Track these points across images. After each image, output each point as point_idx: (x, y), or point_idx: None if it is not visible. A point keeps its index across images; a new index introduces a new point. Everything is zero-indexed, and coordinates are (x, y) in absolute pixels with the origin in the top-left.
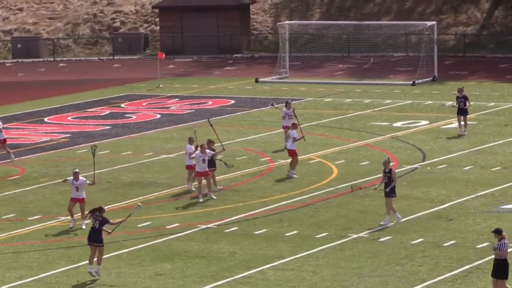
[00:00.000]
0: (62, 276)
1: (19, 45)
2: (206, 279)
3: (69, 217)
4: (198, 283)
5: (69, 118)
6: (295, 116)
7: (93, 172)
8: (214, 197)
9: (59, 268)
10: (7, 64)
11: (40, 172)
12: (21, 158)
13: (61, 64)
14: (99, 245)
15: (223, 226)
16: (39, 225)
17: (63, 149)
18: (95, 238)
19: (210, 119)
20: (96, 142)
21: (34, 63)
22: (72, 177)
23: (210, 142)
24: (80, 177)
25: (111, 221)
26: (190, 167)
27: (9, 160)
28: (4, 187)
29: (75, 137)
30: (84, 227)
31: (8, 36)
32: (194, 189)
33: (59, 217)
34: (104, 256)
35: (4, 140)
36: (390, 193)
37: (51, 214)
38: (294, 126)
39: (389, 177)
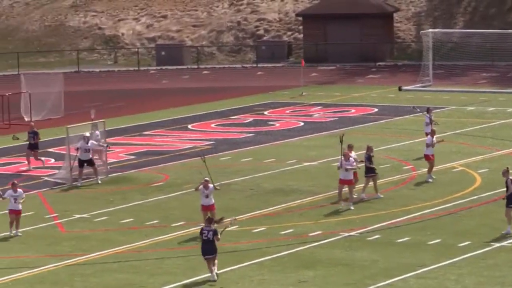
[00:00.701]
0: (205, 283)
1: (163, 53)
2: (349, 287)
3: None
4: None
5: (212, 125)
6: (431, 122)
7: (210, 179)
8: (352, 208)
9: (202, 275)
10: (151, 71)
11: (184, 179)
12: (165, 164)
13: (204, 72)
14: (215, 255)
15: (365, 234)
16: (182, 231)
17: (206, 156)
18: (210, 249)
19: (342, 135)
20: (239, 150)
21: (178, 70)
22: (202, 186)
23: (369, 148)
24: (210, 185)
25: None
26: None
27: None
28: (148, 194)
29: (219, 144)
30: None
31: (152, 43)
32: (365, 197)
33: (202, 224)
34: (247, 263)
35: (91, 160)
36: (508, 203)
37: (194, 221)
38: (432, 132)
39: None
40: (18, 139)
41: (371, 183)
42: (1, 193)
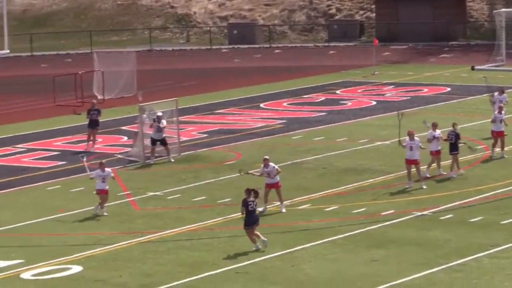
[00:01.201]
0: (277, 261)
1: (235, 31)
2: (420, 266)
3: (277, 203)
4: (412, 270)
5: (284, 104)
6: (493, 103)
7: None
8: (425, 187)
9: (274, 253)
10: (223, 50)
11: (255, 157)
12: (237, 143)
13: (276, 51)
14: (258, 224)
15: (438, 214)
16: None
17: (278, 135)
18: (257, 218)
19: (400, 112)
20: (311, 128)
21: (250, 49)
22: (262, 165)
23: (454, 125)
24: (270, 164)
25: None
26: (433, 153)
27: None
28: (220, 172)
29: (290, 123)
30: (284, 210)
31: (224, 22)
32: (444, 173)
33: (274, 203)
34: (320, 242)
35: (163, 139)
36: None
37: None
38: (499, 109)
39: None
40: (80, 114)
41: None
42: (90, 173)
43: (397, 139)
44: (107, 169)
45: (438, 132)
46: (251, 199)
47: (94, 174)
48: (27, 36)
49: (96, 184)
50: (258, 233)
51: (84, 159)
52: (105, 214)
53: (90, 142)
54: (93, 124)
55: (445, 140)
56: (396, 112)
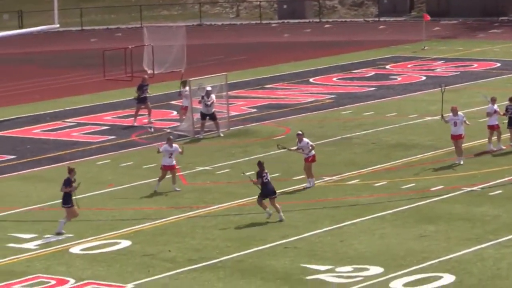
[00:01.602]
0: (326, 236)
1: (285, 6)
2: (470, 242)
3: (326, 178)
4: (462, 245)
5: (334, 79)
6: None
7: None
8: (461, 162)
9: (322, 228)
10: (273, 25)
11: (305, 132)
12: (286, 118)
13: (326, 25)
14: (276, 195)
15: (487, 189)
16: (302, 185)
17: (327, 109)
18: (273, 189)
19: (443, 86)
20: (361, 103)
21: (300, 24)
22: (297, 140)
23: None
24: (304, 139)
25: None
26: (494, 127)
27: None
28: (270, 147)
29: (340, 98)
30: (312, 184)
31: None
32: (494, 148)
33: (323, 177)
34: (369, 217)
35: (213, 114)
36: None
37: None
38: None
39: None
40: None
41: None
42: (159, 147)
43: (441, 115)
44: (175, 145)
45: (495, 106)
46: (266, 171)
47: (162, 149)
48: (77, 10)
49: (163, 159)
50: (278, 206)
51: (152, 130)
52: (178, 189)
53: (144, 117)
54: (144, 100)
55: (504, 114)
56: (439, 87)
